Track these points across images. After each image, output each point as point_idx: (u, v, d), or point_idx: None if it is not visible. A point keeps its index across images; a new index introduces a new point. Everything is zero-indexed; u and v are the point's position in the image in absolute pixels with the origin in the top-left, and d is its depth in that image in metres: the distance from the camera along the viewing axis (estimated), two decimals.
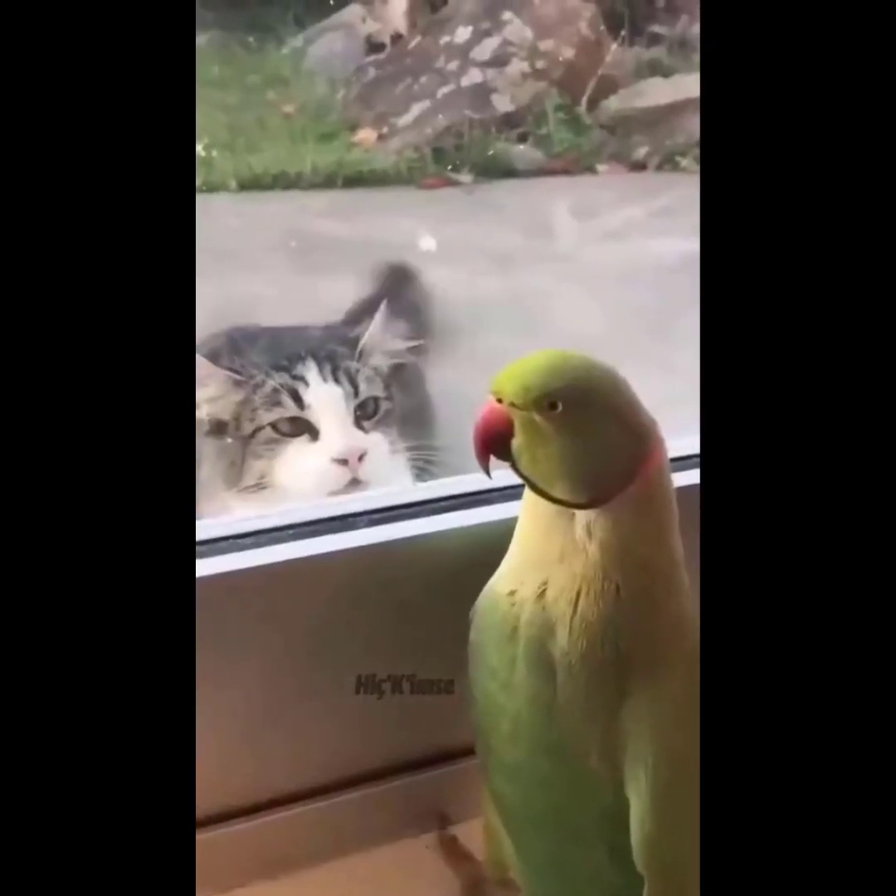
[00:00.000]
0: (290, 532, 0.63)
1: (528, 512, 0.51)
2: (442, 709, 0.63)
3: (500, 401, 0.48)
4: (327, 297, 1.30)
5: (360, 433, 0.84)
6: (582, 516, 0.49)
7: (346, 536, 0.63)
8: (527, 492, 0.51)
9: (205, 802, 0.64)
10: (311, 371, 0.85)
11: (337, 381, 0.85)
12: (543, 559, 0.50)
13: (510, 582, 0.51)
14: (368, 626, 0.63)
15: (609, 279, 1.54)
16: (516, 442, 0.48)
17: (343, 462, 0.82)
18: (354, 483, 0.82)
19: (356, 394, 0.85)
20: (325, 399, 0.84)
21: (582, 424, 0.47)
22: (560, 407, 0.46)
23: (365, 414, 0.85)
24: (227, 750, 0.63)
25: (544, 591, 0.49)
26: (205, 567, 0.60)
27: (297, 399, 0.83)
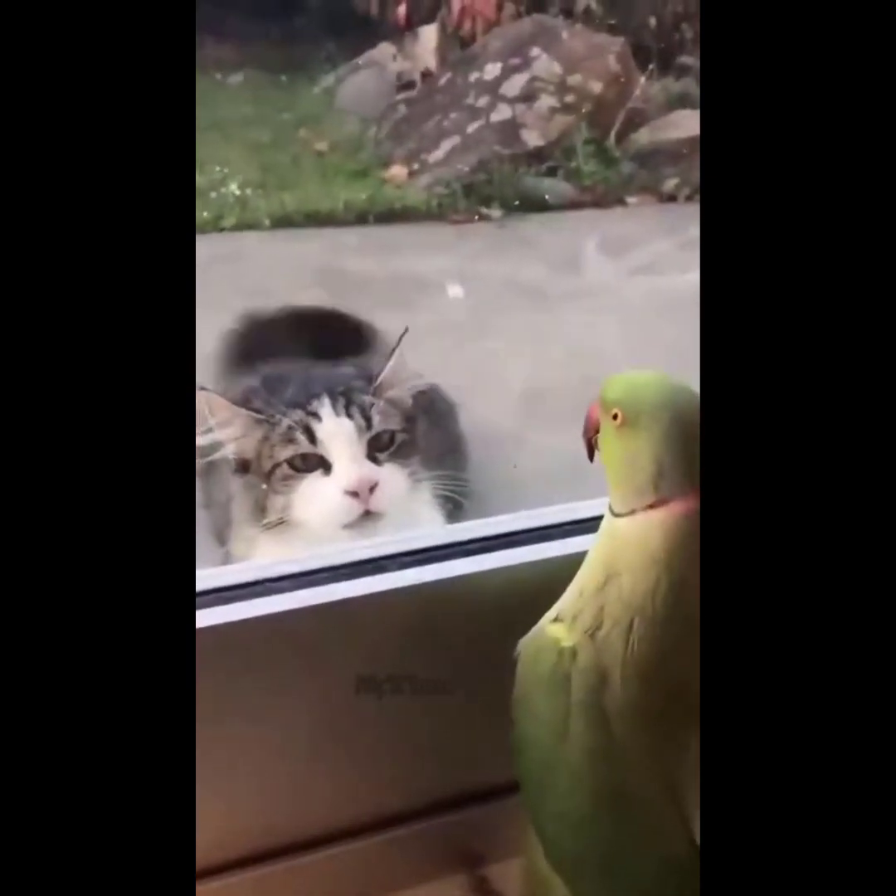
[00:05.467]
0: (323, 576, 0.63)
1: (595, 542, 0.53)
2: (471, 749, 0.63)
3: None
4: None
5: (371, 465, 0.84)
6: (638, 539, 0.49)
7: (380, 579, 0.63)
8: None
9: (230, 848, 0.64)
10: (324, 407, 0.85)
11: (349, 415, 0.85)
12: (596, 583, 0.50)
13: (562, 614, 0.52)
14: (401, 668, 0.63)
15: (639, 311, 1.54)
16: (599, 438, 0.53)
17: (354, 494, 0.82)
18: (368, 515, 0.83)
19: (369, 427, 0.85)
20: (336, 433, 0.84)
21: (630, 437, 0.51)
22: (619, 419, 0.51)
23: (378, 446, 0.85)
24: (258, 793, 0.63)
25: (595, 632, 0.49)
26: (235, 612, 0.60)
27: (311, 435, 0.84)
